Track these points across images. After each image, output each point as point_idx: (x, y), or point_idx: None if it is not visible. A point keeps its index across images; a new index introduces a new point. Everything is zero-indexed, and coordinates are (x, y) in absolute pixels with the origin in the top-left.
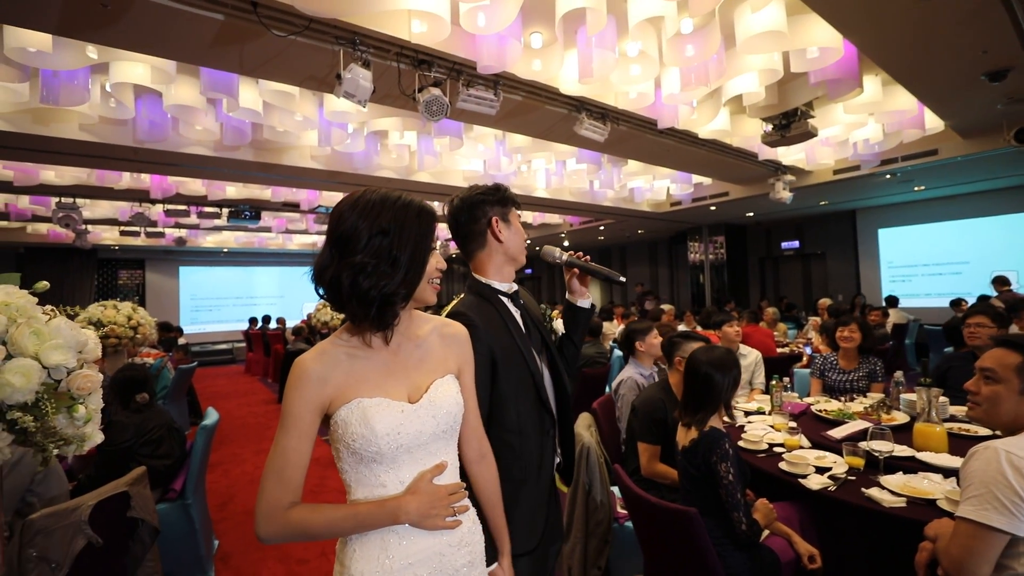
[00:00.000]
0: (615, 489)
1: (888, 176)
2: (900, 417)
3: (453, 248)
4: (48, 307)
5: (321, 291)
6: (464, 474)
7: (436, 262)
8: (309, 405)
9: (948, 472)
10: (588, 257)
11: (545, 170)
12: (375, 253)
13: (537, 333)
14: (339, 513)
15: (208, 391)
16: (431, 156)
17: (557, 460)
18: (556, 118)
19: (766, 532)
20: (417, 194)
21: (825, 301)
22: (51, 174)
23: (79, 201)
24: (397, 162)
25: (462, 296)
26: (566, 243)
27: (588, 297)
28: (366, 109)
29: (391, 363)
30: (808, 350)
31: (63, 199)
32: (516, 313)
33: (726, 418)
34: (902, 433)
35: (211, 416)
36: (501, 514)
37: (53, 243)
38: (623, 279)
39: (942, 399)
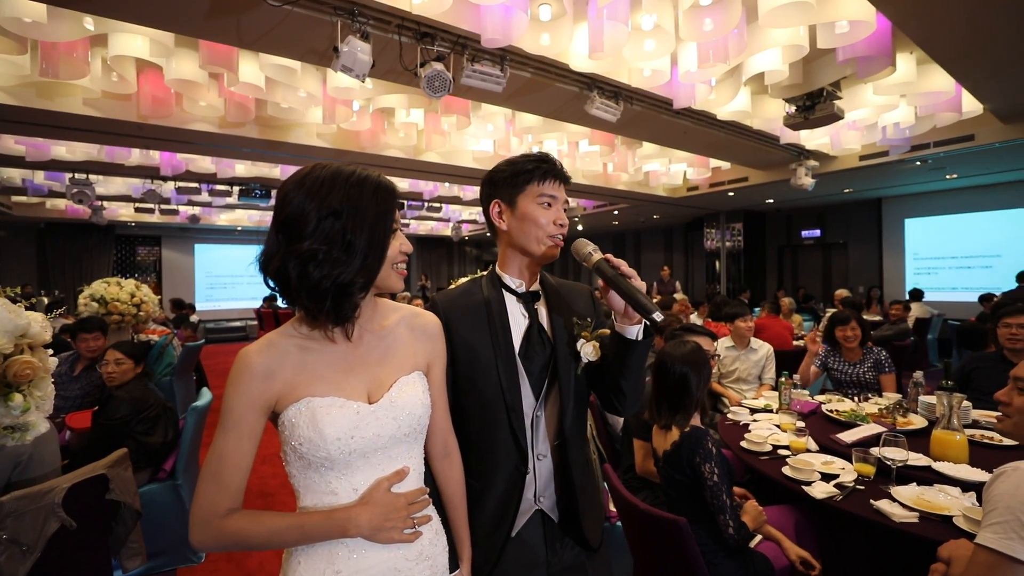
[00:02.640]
0: (607, 486)
1: (918, 163)
2: (917, 421)
3: (466, 231)
4: None
5: (271, 283)
6: (427, 475)
7: (400, 244)
8: (251, 403)
9: (967, 485)
10: (631, 276)
11: (557, 151)
12: (326, 238)
13: (546, 352)
14: (282, 523)
15: (219, 367)
16: (439, 135)
17: (536, 508)
18: (567, 96)
19: (758, 537)
20: (426, 174)
21: (841, 292)
22: (62, 149)
23: (92, 177)
24: (404, 141)
25: None
26: (615, 221)
27: (639, 322)
28: (367, 84)
29: (350, 357)
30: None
31: (76, 175)
32: (522, 318)
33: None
34: (919, 439)
35: (204, 397)
36: (464, 517)
37: (72, 219)
38: (659, 316)
39: (965, 404)
